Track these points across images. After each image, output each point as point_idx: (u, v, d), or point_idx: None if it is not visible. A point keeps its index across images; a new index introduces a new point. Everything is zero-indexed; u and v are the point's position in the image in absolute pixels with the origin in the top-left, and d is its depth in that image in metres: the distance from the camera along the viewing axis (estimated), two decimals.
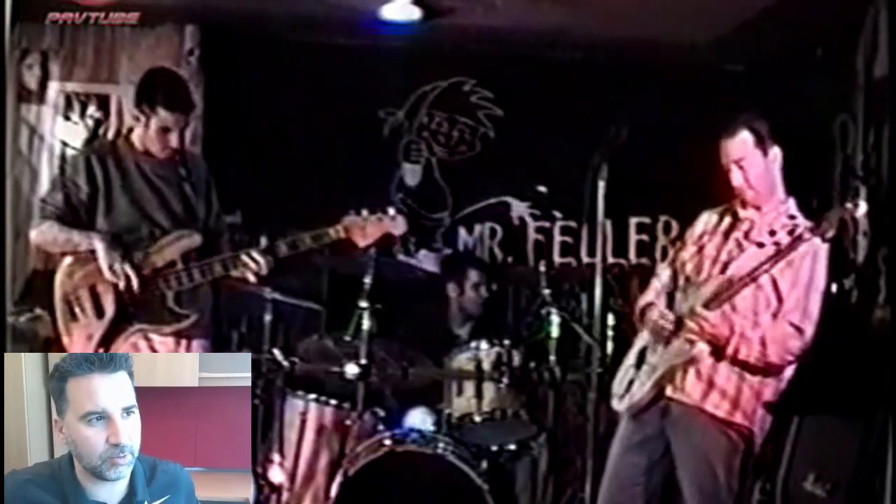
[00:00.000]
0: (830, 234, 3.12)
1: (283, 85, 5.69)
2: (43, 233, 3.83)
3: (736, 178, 3.33)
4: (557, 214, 5.95)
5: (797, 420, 4.13)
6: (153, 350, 3.78)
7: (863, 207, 3.10)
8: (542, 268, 5.07)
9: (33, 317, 3.83)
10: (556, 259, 5.92)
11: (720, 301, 3.23)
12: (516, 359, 4.23)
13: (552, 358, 4.23)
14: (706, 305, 3.23)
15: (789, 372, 3.32)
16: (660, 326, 3.36)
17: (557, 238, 5.96)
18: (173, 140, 3.79)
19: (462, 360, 4.30)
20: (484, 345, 4.29)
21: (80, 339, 3.71)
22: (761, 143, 3.31)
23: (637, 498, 3.38)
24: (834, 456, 3.92)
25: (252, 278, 3.77)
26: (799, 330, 3.23)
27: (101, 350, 3.63)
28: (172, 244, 3.77)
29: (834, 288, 4.42)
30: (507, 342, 4.29)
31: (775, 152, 3.33)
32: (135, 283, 3.68)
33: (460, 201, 5.95)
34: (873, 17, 4.68)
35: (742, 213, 3.43)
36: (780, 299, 3.24)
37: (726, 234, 3.42)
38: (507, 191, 5.95)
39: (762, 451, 3.45)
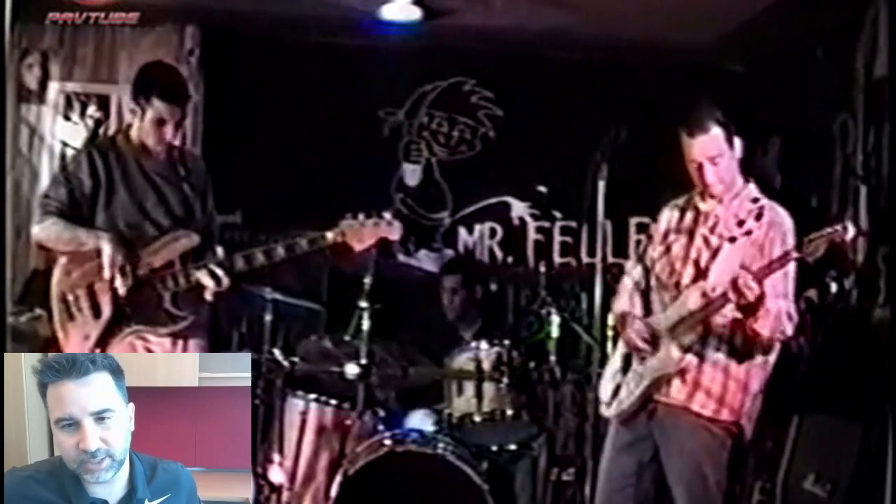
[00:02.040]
0: (816, 256, 3.03)
1: (283, 85, 5.69)
2: (46, 229, 3.74)
3: (709, 174, 3.25)
4: (557, 214, 5.95)
5: (797, 420, 4.14)
6: (149, 351, 3.75)
7: (851, 231, 2.98)
8: (542, 268, 5.07)
9: (33, 316, 3.80)
10: (556, 259, 5.92)
11: (708, 313, 3.19)
12: (516, 359, 4.23)
13: (552, 358, 4.24)
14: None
15: (773, 357, 3.28)
16: (637, 347, 3.33)
17: (557, 238, 5.96)
18: (168, 133, 3.73)
19: (462, 360, 4.30)
20: (484, 345, 4.29)
21: (76, 338, 3.66)
22: (729, 138, 3.25)
23: (629, 499, 3.37)
24: (834, 456, 3.93)
25: (209, 296, 3.70)
26: (789, 316, 3.18)
27: (97, 350, 3.60)
28: (170, 244, 3.74)
29: (834, 288, 4.43)
30: (507, 342, 4.29)
31: (739, 143, 3.28)
32: (129, 283, 3.66)
33: (460, 201, 5.94)
34: (873, 17, 4.68)
35: (703, 206, 3.36)
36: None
37: (691, 233, 3.36)
38: (507, 191, 5.95)
39: (760, 449, 3.44)
